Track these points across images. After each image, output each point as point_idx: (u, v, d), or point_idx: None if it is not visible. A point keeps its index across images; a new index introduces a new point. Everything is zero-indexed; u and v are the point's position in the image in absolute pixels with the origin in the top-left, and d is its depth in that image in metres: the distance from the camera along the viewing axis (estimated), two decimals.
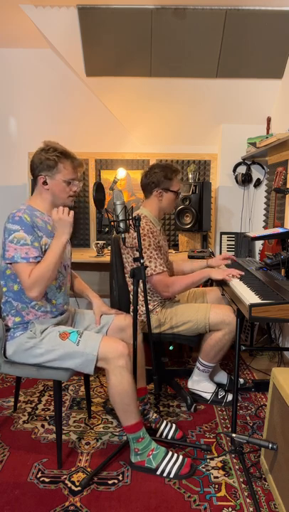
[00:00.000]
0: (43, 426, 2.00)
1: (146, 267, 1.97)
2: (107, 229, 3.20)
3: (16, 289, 1.65)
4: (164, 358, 2.76)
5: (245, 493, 1.56)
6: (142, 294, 2.03)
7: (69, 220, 1.58)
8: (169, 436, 1.88)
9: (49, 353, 1.61)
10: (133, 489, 1.57)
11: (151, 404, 2.18)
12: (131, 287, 2.14)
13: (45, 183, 1.67)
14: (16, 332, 1.66)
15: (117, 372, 1.59)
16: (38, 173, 1.67)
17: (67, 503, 1.49)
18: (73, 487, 1.58)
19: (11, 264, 1.58)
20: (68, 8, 2.60)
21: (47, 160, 1.64)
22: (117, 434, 1.94)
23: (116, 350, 1.59)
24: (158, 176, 2.11)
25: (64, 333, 1.63)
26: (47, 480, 1.61)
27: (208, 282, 2.72)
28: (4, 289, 1.68)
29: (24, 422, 2.03)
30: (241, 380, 2.38)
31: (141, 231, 2.02)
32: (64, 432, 1.93)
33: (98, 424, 2.02)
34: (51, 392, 2.33)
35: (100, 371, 2.54)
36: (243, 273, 2.00)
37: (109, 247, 3.15)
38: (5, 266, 1.64)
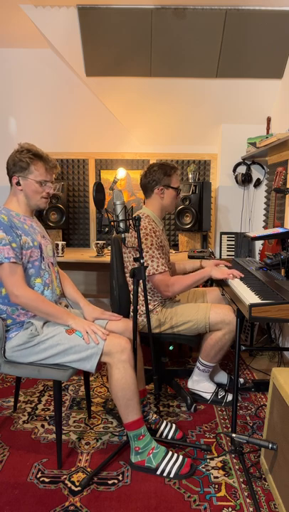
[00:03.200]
0: (43, 426, 2.00)
1: (147, 266, 1.97)
2: (107, 229, 3.19)
3: (4, 293, 1.66)
4: (164, 358, 2.76)
5: (245, 493, 1.56)
6: (142, 293, 2.03)
7: (86, 329, 1.64)
8: (169, 437, 1.87)
9: (53, 348, 1.62)
10: (133, 489, 1.57)
11: (151, 404, 2.18)
12: (131, 287, 2.14)
13: (18, 183, 1.70)
14: (10, 333, 1.67)
15: (120, 366, 1.61)
16: (12, 174, 1.70)
17: (67, 503, 1.49)
18: (73, 487, 1.58)
19: None
20: (68, 8, 2.60)
21: (20, 161, 1.67)
22: (117, 434, 1.94)
23: (119, 345, 1.61)
24: (157, 173, 2.13)
25: (71, 329, 1.65)
26: (47, 480, 1.61)
27: (208, 282, 2.72)
28: None
29: (24, 422, 2.03)
30: (241, 380, 2.38)
31: (143, 230, 2.03)
32: (64, 432, 1.93)
33: (98, 424, 2.02)
34: (51, 392, 2.33)
35: (100, 370, 2.55)
36: (242, 275, 2.00)
37: (109, 247, 3.15)
38: None
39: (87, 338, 1.61)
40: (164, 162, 2.20)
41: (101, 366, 1.63)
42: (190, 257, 2.89)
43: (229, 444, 1.86)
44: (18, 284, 1.59)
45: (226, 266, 2.24)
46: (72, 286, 1.95)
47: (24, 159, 1.67)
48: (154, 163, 2.21)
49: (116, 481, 1.61)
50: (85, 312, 1.84)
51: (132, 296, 2.02)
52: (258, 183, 3.27)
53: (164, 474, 1.63)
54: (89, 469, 1.68)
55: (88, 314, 1.83)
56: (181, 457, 1.68)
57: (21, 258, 1.63)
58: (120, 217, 1.70)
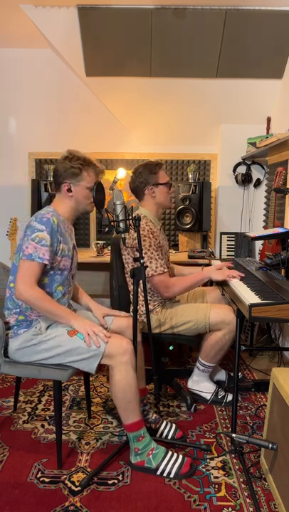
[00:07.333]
0: (43, 426, 2.00)
1: (147, 266, 1.97)
2: (107, 229, 3.19)
3: None
4: (164, 358, 2.76)
5: (245, 493, 1.56)
6: (142, 294, 2.03)
7: (88, 331, 1.63)
8: (169, 437, 1.87)
9: (54, 349, 1.62)
10: (133, 489, 1.57)
11: (151, 404, 2.18)
12: (131, 287, 2.14)
13: (69, 190, 1.72)
14: (19, 329, 1.67)
15: (121, 368, 1.61)
16: (62, 181, 1.72)
17: (67, 503, 1.49)
18: (73, 487, 1.58)
19: (25, 260, 1.59)
20: (68, 8, 2.60)
21: (71, 168, 1.70)
22: (117, 434, 1.94)
23: (120, 347, 1.61)
24: (143, 174, 2.12)
25: (73, 331, 1.64)
26: (47, 480, 1.61)
27: (208, 282, 2.72)
28: (12, 285, 1.70)
29: (24, 422, 2.03)
30: (239, 375, 2.37)
31: (141, 232, 2.02)
32: (64, 432, 1.93)
33: (98, 424, 2.02)
34: (51, 392, 2.33)
35: (100, 371, 2.55)
36: (243, 275, 2.00)
37: (109, 247, 3.15)
38: (18, 262, 1.66)
39: (89, 341, 1.60)
40: (147, 162, 2.18)
41: (101, 366, 1.63)
42: (190, 257, 2.90)
43: (229, 444, 1.86)
44: (29, 282, 1.58)
45: (228, 267, 2.24)
46: (84, 293, 2.00)
47: (76, 165, 1.70)
48: (138, 165, 2.18)
49: (116, 481, 1.61)
50: (94, 309, 1.90)
51: (131, 296, 2.03)
52: (258, 183, 3.27)
53: (164, 474, 1.63)
54: (89, 469, 1.68)
55: (97, 310, 1.89)
56: (180, 457, 1.68)
57: (51, 263, 1.64)
58: (120, 217, 1.70)
